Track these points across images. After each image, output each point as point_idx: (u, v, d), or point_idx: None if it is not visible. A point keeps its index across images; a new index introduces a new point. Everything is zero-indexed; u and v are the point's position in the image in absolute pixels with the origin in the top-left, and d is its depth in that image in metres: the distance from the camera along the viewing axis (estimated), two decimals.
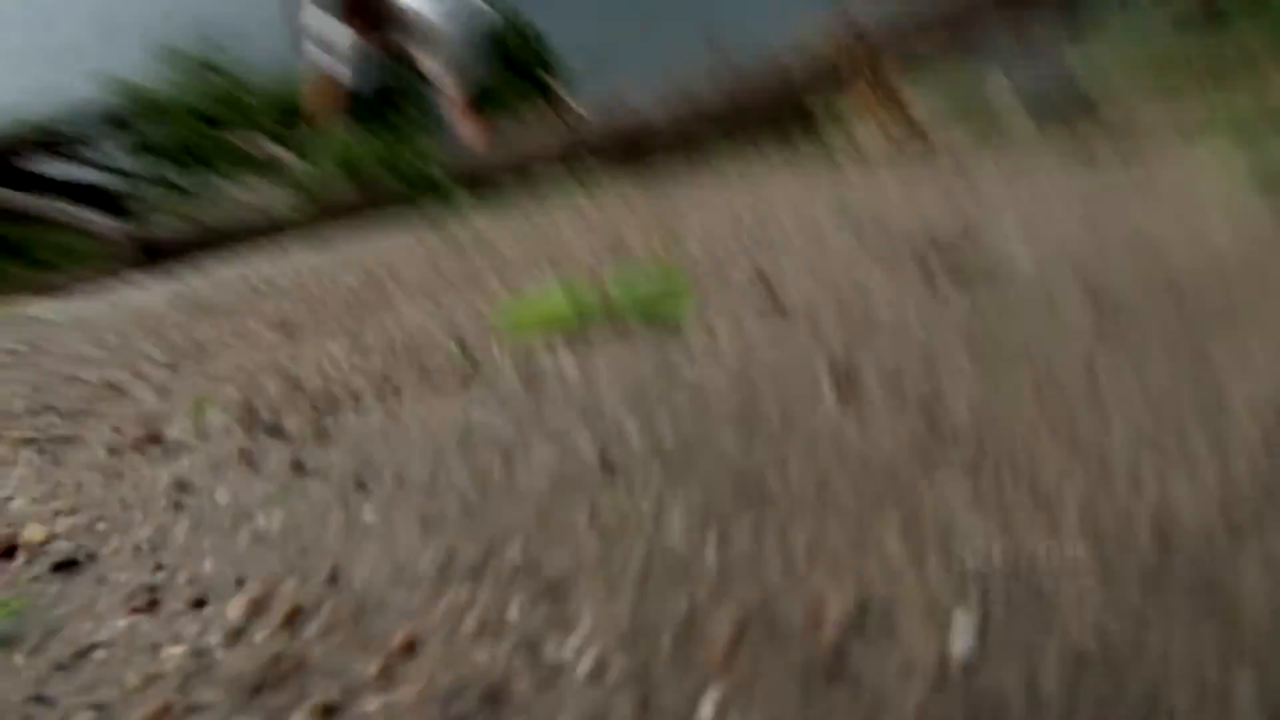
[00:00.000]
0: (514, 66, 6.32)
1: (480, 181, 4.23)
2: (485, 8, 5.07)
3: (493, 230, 3.43)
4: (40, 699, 0.80)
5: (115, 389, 1.77)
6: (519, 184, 4.21)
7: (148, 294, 3.44)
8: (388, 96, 5.24)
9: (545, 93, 5.83)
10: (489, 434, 1.20)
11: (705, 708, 0.61)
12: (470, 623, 0.78)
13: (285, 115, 5.59)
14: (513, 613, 0.78)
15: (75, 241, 5.34)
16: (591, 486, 1.00)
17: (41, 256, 5.41)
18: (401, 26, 4.61)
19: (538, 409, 1.27)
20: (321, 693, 0.72)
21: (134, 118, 6.49)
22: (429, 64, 4.71)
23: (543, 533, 0.92)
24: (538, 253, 2.62)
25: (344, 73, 5.07)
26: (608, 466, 1.04)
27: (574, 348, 1.50)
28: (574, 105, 4.39)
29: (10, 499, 1.27)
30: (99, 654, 0.84)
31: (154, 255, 4.61)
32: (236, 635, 0.84)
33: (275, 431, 1.34)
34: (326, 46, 4.89)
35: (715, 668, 0.65)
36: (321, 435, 1.29)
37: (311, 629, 0.83)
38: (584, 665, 0.69)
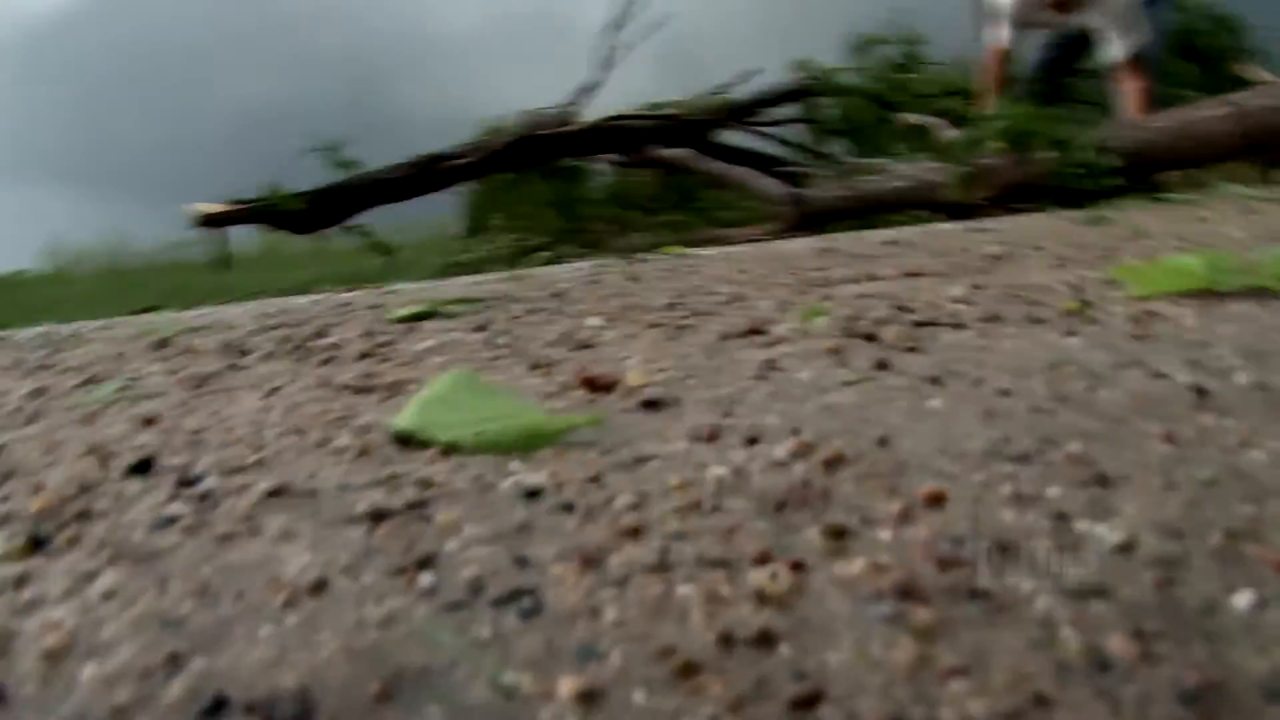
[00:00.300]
0: (1199, 54, 5.86)
1: (1144, 163, 3.99)
2: None
3: (1144, 212, 3.24)
4: (594, 479, 0.89)
5: (741, 300, 1.92)
6: (1184, 169, 3.89)
7: (796, 244, 3.72)
8: (1062, 74, 5.12)
9: (1234, 84, 5.32)
10: (1079, 359, 1.16)
11: (1241, 599, 0.53)
12: (1004, 491, 0.76)
13: (957, 95, 5.68)
14: (1053, 491, 0.74)
15: (748, 203, 5.87)
16: (1177, 408, 0.92)
17: (717, 214, 6.02)
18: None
19: (1139, 346, 1.19)
20: (838, 517, 0.73)
21: (815, 95, 6.98)
22: (1097, 26, 4.54)
23: (1109, 436, 0.86)
24: (1185, 232, 2.47)
25: (1016, 48, 5.06)
26: (1200, 394, 0.95)
27: (1198, 304, 1.39)
28: (1272, 92, 3.97)
29: (627, 357, 1.43)
30: (654, 462, 0.93)
31: (812, 218, 4.92)
32: (776, 466, 0.88)
33: (870, 338, 1.38)
34: (1005, 23, 4.91)
35: (1270, 569, 0.57)
36: (913, 346, 1.32)
37: (846, 473, 0.85)
38: (1113, 539, 0.63)
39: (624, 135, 6.41)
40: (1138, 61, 4.69)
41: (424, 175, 6.11)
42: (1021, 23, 5.07)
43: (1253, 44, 6.30)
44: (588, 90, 6.34)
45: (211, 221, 5.82)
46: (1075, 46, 5.21)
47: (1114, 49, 4.74)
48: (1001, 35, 5.15)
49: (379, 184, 6.04)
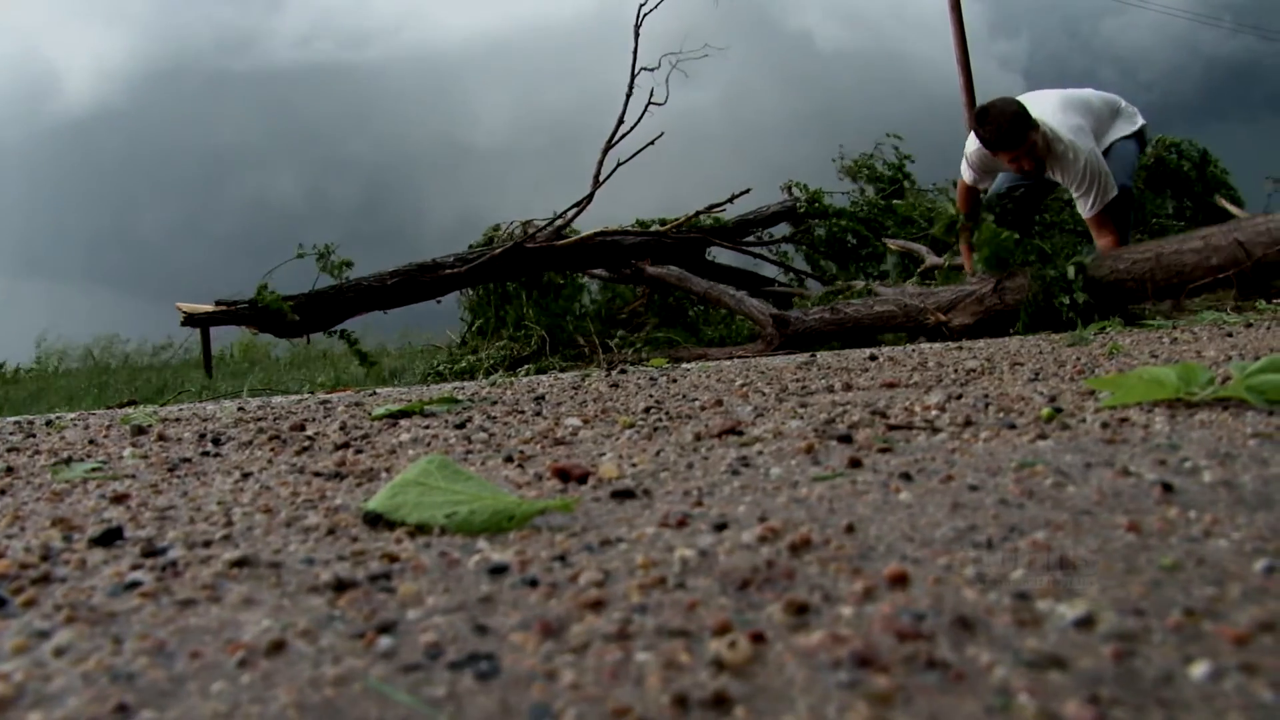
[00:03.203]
0: (1179, 187, 6.01)
1: (1121, 294, 4.07)
2: (1133, 125, 4.93)
3: (1122, 334, 3.28)
4: (561, 558, 0.89)
5: (719, 405, 1.93)
6: (1163, 297, 3.96)
7: (778, 360, 3.76)
8: (1034, 199, 5.24)
9: (1210, 215, 5.45)
10: (1049, 460, 1.17)
11: (1199, 669, 0.54)
12: (968, 573, 0.76)
13: (940, 221, 5.80)
14: (1016, 574, 0.74)
15: (733, 321, 5.91)
16: (1143, 502, 0.93)
17: (703, 331, 6.06)
18: (1045, 148, 4.63)
19: (1109, 449, 1.21)
20: (801, 595, 0.73)
21: (804, 217, 7.11)
22: (1064, 179, 4.68)
23: (1074, 526, 0.87)
24: (1161, 352, 2.50)
25: (980, 185, 5.20)
26: (1167, 489, 0.95)
27: (1169, 412, 1.41)
28: (1240, 228, 4.07)
29: (602, 454, 1.44)
30: (621, 544, 0.93)
31: (796, 339, 4.96)
32: (743, 549, 0.88)
33: (845, 439, 1.38)
34: (970, 165, 5.06)
35: (1227, 642, 0.57)
36: (887, 447, 1.32)
37: (811, 555, 0.85)
38: (1074, 615, 0.63)
39: (611, 250, 6.49)
40: (1105, 216, 4.82)
41: (413, 284, 6.16)
42: (985, 170, 5.24)
43: (1224, 177, 6.49)
44: (580, 204, 6.44)
45: (195, 321, 5.84)
46: (1045, 184, 5.34)
47: (1079, 206, 4.88)
48: (966, 174, 5.33)
49: (367, 290, 6.09)
